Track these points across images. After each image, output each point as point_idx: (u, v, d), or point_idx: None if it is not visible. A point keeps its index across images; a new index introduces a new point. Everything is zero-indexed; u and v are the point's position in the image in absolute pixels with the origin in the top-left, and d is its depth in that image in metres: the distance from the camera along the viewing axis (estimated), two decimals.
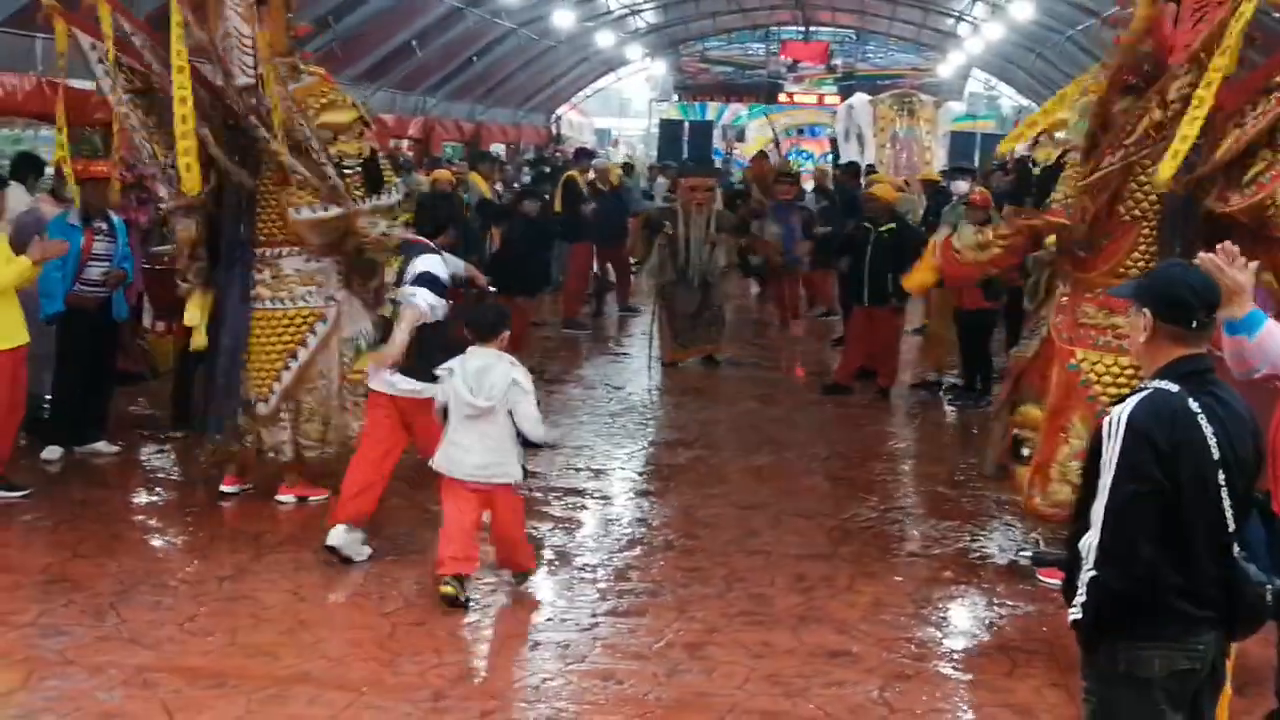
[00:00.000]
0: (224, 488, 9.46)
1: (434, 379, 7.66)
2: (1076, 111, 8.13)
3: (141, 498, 9.71)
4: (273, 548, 8.50)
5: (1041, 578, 8.14)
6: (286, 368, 9.16)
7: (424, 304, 8.03)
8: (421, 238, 8.78)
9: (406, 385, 8.09)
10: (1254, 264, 4.79)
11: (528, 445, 7.75)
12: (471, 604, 7.55)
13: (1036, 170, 8.26)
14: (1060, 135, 8.21)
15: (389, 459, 8.37)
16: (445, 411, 7.57)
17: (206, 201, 9.15)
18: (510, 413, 7.45)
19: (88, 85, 9.12)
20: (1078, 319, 8.03)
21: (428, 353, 7.92)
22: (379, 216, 9.15)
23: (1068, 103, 8.51)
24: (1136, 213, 7.90)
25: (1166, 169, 7.34)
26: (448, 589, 7.42)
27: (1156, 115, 7.61)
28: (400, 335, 7.99)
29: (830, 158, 33.55)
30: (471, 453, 7.45)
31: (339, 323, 9.27)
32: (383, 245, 9.06)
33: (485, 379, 7.40)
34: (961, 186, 15.93)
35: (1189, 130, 7.31)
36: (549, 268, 16.20)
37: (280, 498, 9.35)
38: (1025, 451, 8.25)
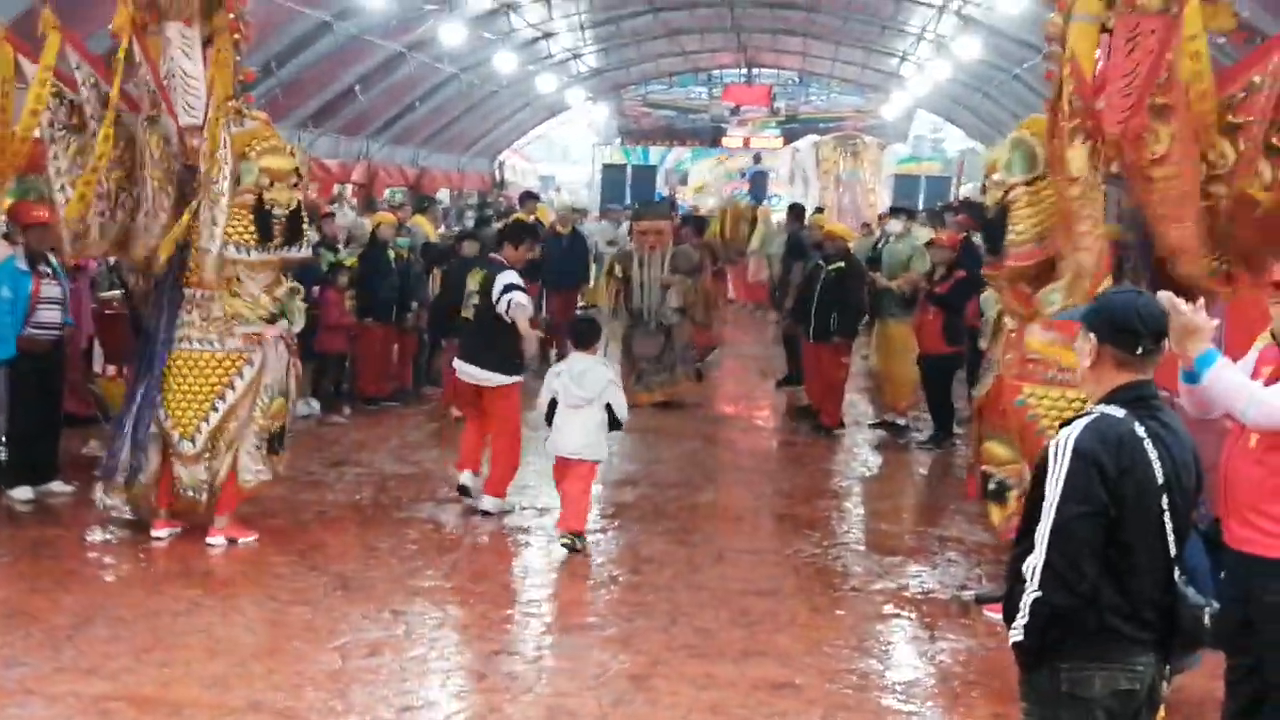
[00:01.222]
0: (155, 532, 9.40)
1: (499, 369, 10.25)
2: (1008, 148, 8.18)
3: (96, 535, 9.66)
4: (224, 583, 8.52)
5: (986, 612, 8.19)
6: (214, 409, 9.17)
7: (527, 301, 10.18)
8: (499, 257, 10.62)
9: (477, 373, 10.34)
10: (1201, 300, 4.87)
11: (614, 428, 9.71)
12: (420, 636, 7.63)
13: (989, 215, 8.26)
14: (997, 177, 8.21)
15: (484, 428, 10.58)
16: (553, 405, 9.54)
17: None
18: (607, 405, 9.48)
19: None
20: (1025, 355, 8.09)
21: (492, 348, 10.25)
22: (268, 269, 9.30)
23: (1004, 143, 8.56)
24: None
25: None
26: (565, 541, 9.35)
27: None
28: (526, 329, 10.19)
29: (749, 197, 33.94)
30: (572, 436, 9.47)
31: (264, 366, 9.30)
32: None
33: (587, 378, 9.48)
34: (895, 226, 16.10)
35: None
36: None
37: (210, 540, 9.30)
38: (992, 487, 8.32)
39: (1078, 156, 7.72)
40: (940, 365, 13.35)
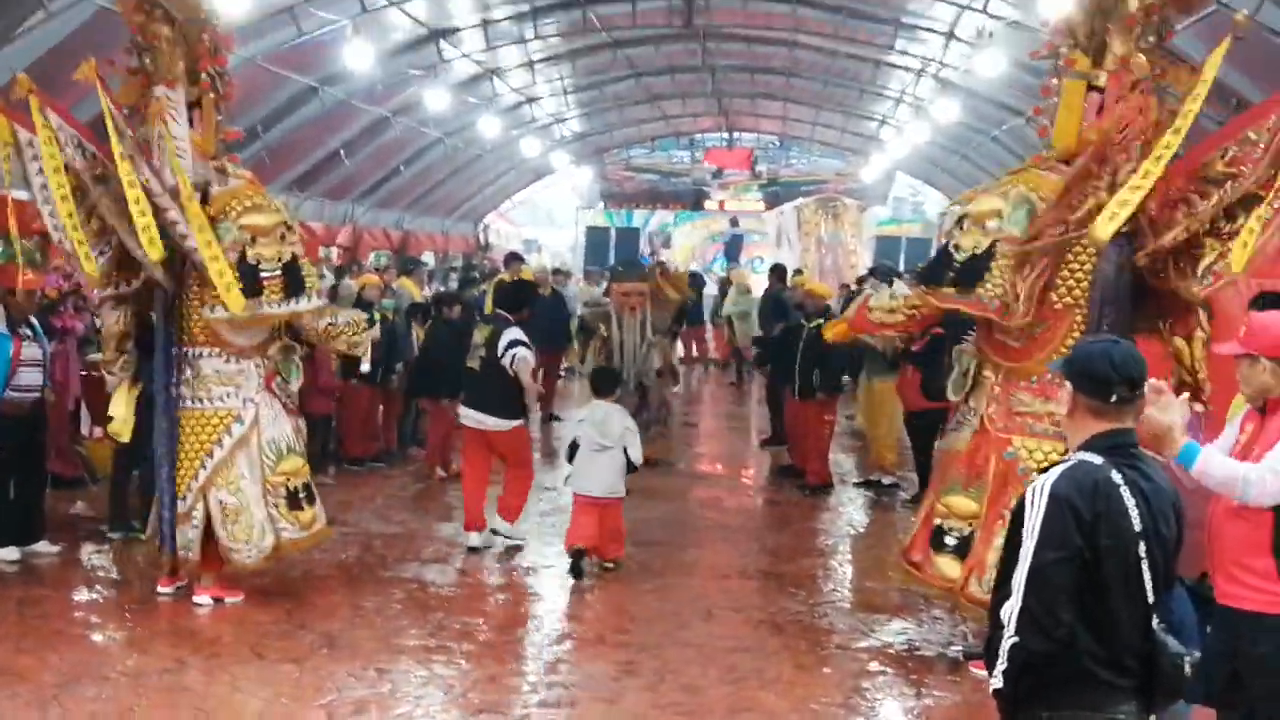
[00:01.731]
0: (160, 588, 9.46)
1: (509, 415, 11.08)
2: (1011, 203, 8.16)
3: (82, 595, 9.69)
4: (210, 642, 8.50)
5: (972, 669, 8.20)
6: (203, 466, 9.20)
7: (529, 356, 11.03)
8: (506, 314, 11.35)
9: (483, 419, 11.10)
10: (1183, 397, 4.94)
11: (630, 470, 10.60)
12: (405, 695, 7.63)
13: (960, 255, 8.24)
14: (992, 225, 8.21)
15: (486, 473, 11.39)
16: (574, 447, 10.56)
17: (137, 293, 9.26)
18: (624, 449, 10.41)
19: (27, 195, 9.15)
20: (1012, 408, 8.13)
21: (499, 396, 10.99)
22: (308, 317, 9.39)
23: (996, 192, 8.56)
24: (1069, 299, 8.03)
25: (1103, 228, 7.45)
26: (608, 565, 10.58)
27: (1104, 197, 7.75)
28: (529, 381, 11.12)
29: (724, 263, 34.19)
30: (596, 479, 10.43)
31: (258, 424, 9.30)
32: (330, 335, 9.59)
33: (607, 425, 10.45)
34: (869, 290, 16.16)
35: (1129, 196, 7.48)
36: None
37: (196, 599, 9.31)
38: (949, 541, 8.33)
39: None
40: (923, 422, 13.35)
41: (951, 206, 8.80)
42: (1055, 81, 8.46)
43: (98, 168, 9.02)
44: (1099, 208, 7.71)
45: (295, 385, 9.73)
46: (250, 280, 9.07)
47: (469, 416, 11.28)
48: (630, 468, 10.60)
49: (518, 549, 11.31)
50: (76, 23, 12.38)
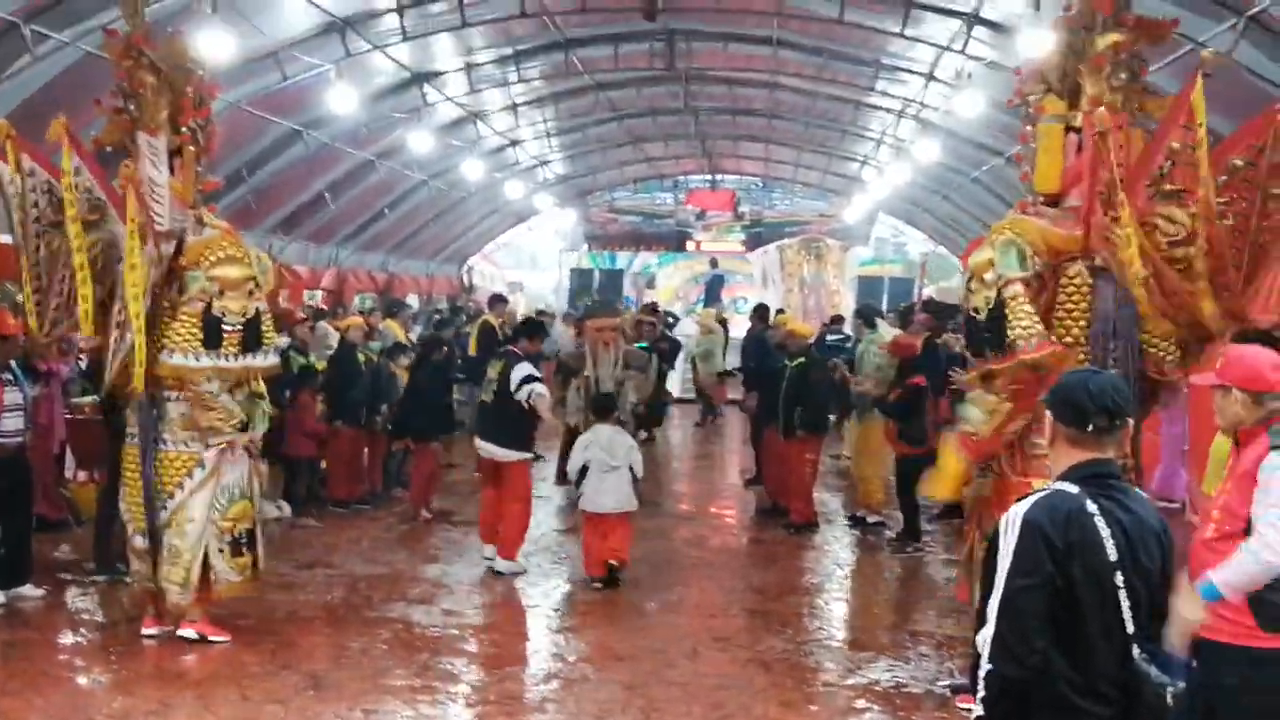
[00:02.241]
0: (144, 630, 9.45)
1: (513, 446, 11.84)
2: (999, 250, 8.12)
3: (67, 638, 9.67)
4: (196, 684, 8.49)
5: (959, 704, 8.20)
6: (164, 507, 9.23)
7: (545, 390, 11.76)
8: (516, 349, 12.15)
9: (495, 450, 11.89)
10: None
11: (635, 483, 11.49)
12: None
13: (981, 316, 8.21)
14: (989, 276, 8.24)
15: (498, 502, 12.04)
16: (583, 471, 11.39)
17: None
18: (630, 467, 11.36)
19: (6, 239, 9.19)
20: (1028, 451, 8.07)
21: (508, 428, 11.80)
22: (227, 374, 9.29)
23: (985, 244, 8.59)
24: (1069, 339, 8.02)
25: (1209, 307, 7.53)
26: (613, 564, 11.31)
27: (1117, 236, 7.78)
28: (548, 414, 12.07)
29: (704, 302, 34.30)
30: (609, 496, 11.30)
31: (218, 469, 9.32)
32: (203, 403, 9.21)
33: (613, 446, 11.38)
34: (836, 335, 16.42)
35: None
36: (451, 411, 16.29)
37: (182, 632, 9.33)
38: None
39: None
40: (905, 466, 13.40)
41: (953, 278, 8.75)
42: (1030, 128, 8.57)
43: (62, 215, 9.01)
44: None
45: (259, 432, 9.68)
46: (212, 332, 9.15)
47: (482, 447, 12.13)
48: (635, 481, 11.52)
49: (506, 585, 11.31)
50: (62, 66, 12.43)
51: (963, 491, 8.76)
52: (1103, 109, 7.88)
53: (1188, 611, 5.05)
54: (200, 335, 9.13)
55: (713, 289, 36.50)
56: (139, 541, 9.31)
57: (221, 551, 9.30)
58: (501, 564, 11.89)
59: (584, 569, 11.58)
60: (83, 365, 13.01)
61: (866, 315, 16.30)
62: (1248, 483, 5.46)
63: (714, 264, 38.12)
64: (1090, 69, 8.11)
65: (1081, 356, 7.95)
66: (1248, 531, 5.42)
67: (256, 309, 9.37)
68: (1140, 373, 7.92)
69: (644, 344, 18.05)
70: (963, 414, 8.26)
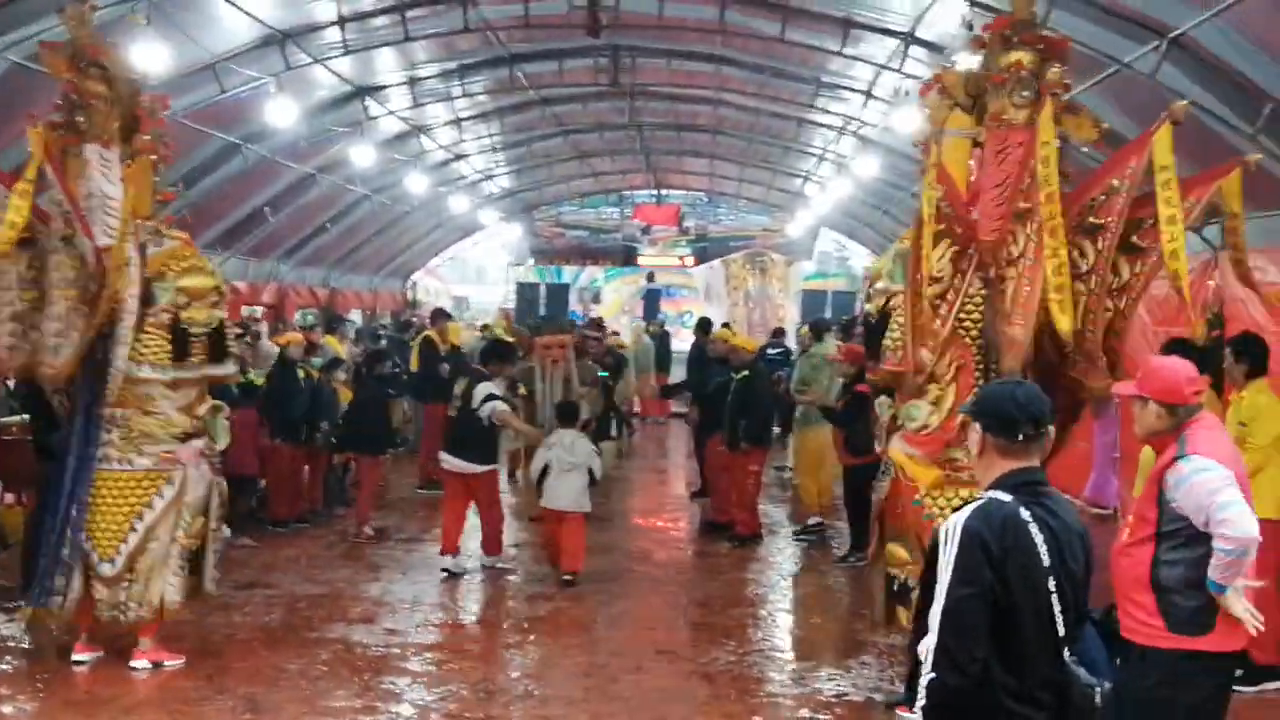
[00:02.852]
0: (75, 655, 9.25)
1: (481, 460, 12.44)
2: (891, 259, 8.45)
3: None
4: (127, 711, 8.32)
5: (900, 713, 8.20)
6: (133, 529, 9.05)
7: (504, 407, 12.36)
8: (482, 369, 12.76)
9: (461, 464, 12.43)
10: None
11: (593, 484, 12.33)
12: None
13: (872, 321, 8.47)
14: (880, 285, 8.46)
15: (464, 510, 12.67)
16: (544, 471, 12.14)
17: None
18: (589, 469, 12.16)
19: None
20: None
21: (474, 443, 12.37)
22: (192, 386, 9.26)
23: (887, 254, 8.79)
24: (972, 348, 8.15)
25: (1065, 323, 7.58)
26: (567, 578, 12.01)
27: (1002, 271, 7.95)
28: (522, 426, 13.15)
29: (640, 321, 34.43)
30: (564, 494, 12.06)
31: (185, 485, 9.20)
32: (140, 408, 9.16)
33: (575, 448, 12.16)
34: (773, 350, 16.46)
35: (1063, 280, 7.61)
36: (392, 426, 16.19)
37: (134, 664, 9.14)
38: (896, 588, 8.37)
39: (939, 258, 8.02)
40: (854, 477, 13.38)
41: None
42: (934, 145, 8.56)
43: (23, 231, 8.85)
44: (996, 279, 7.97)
45: (222, 445, 9.61)
46: (180, 342, 9.10)
47: (448, 461, 12.61)
48: (592, 480, 12.29)
49: (448, 602, 11.23)
50: None
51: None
52: (980, 129, 8.17)
53: (1236, 611, 5.50)
54: (169, 347, 9.05)
55: (650, 303, 36.54)
56: (106, 569, 9.05)
57: (182, 568, 9.17)
58: (488, 559, 12.81)
59: (548, 558, 12.53)
60: (10, 385, 12.79)
61: (817, 328, 16.43)
62: (1154, 489, 5.72)
63: (650, 278, 38.20)
64: (992, 86, 8.27)
65: (977, 357, 8.12)
66: (1157, 536, 5.68)
67: (220, 319, 9.33)
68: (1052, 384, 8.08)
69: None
70: (905, 416, 8.32)
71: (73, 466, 9.08)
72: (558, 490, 12.16)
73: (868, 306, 8.56)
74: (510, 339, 16.35)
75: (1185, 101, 8.13)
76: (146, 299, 9.09)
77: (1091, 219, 7.83)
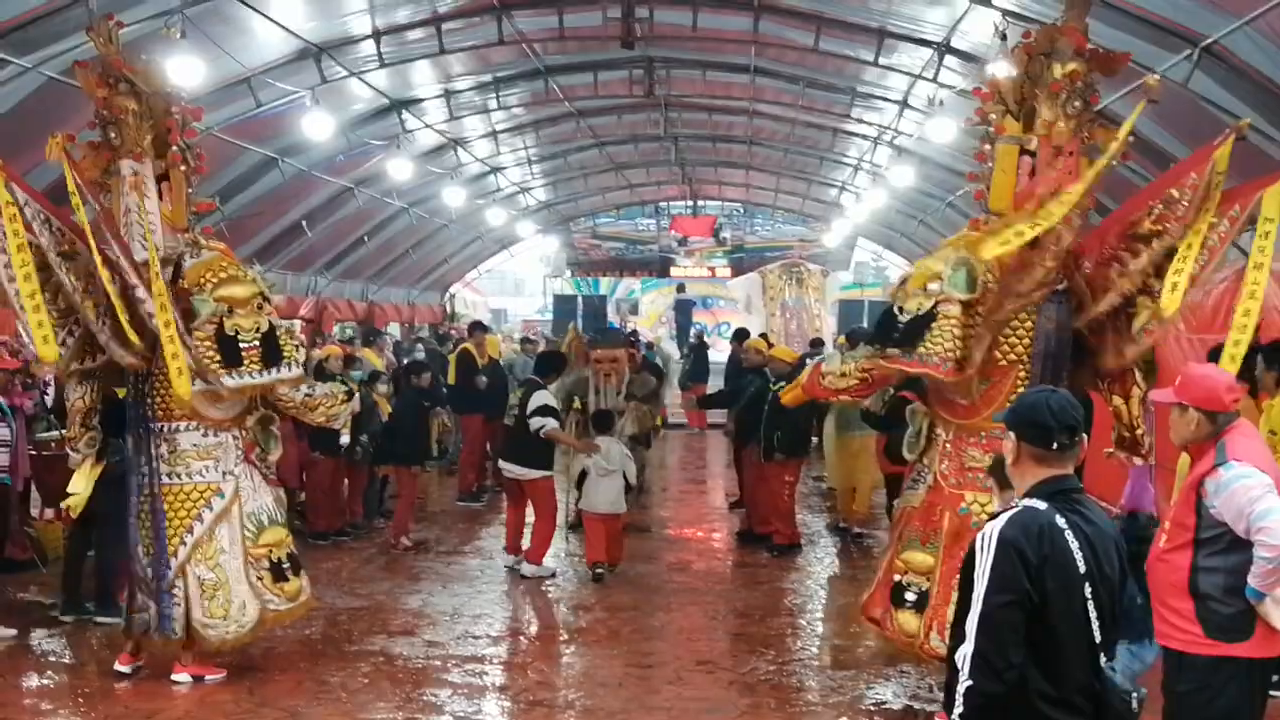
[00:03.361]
0: (119, 666, 9.30)
1: (535, 466, 12.86)
2: (950, 266, 8.32)
3: (33, 681, 9.48)
4: None
5: None
6: (183, 543, 9.08)
7: (554, 424, 12.78)
8: (537, 378, 13.31)
9: (519, 470, 12.95)
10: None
11: (628, 491, 13.07)
12: None
13: (904, 317, 8.39)
14: (934, 287, 8.36)
15: (524, 515, 13.28)
16: (583, 475, 12.98)
17: (104, 368, 9.15)
18: (624, 473, 12.84)
19: None
20: (964, 463, 8.25)
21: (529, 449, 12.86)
22: (287, 386, 9.31)
23: (937, 256, 8.73)
24: (1012, 356, 8.22)
25: (1172, 303, 7.61)
26: (599, 570, 12.71)
27: (1050, 264, 7.95)
28: (573, 441, 13.40)
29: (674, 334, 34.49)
30: (603, 498, 12.76)
31: (238, 497, 9.23)
32: (308, 407, 9.52)
33: (610, 454, 12.83)
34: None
35: (1025, 229, 7.78)
36: (431, 438, 16.21)
37: (175, 676, 9.18)
38: (909, 596, 8.36)
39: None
40: (893, 484, 13.48)
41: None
42: (988, 147, 8.72)
43: (64, 244, 8.90)
44: (1045, 278, 7.97)
45: (274, 456, 9.66)
46: (230, 351, 9.03)
47: (505, 467, 13.28)
48: (628, 487, 13.00)
49: (488, 614, 11.28)
50: (24, 93, 12.28)
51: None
52: (1062, 124, 8.13)
53: (1275, 619, 5.53)
54: (218, 358, 9.00)
55: (683, 313, 36.54)
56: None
57: (261, 579, 9.20)
58: (528, 568, 12.92)
59: (586, 559, 13.03)
60: (48, 401, 12.87)
61: (853, 338, 16.46)
62: (1192, 496, 5.72)
63: (680, 289, 38.20)
64: (1047, 95, 8.29)
65: (1022, 373, 8.18)
66: (1196, 543, 5.67)
67: (270, 322, 9.26)
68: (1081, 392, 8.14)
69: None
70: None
71: (133, 484, 9.18)
72: (596, 494, 12.78)
73: (902, 299, 8.44)
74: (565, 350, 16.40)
75: (1247, 120, 8.11)
76: (188, 313, 9.09)
77: (1149, 225, 7.82)
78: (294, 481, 14.35)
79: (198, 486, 9.17)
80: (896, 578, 8.48)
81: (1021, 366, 8.19)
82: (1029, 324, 8.18)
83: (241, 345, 9.06)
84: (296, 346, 9.47)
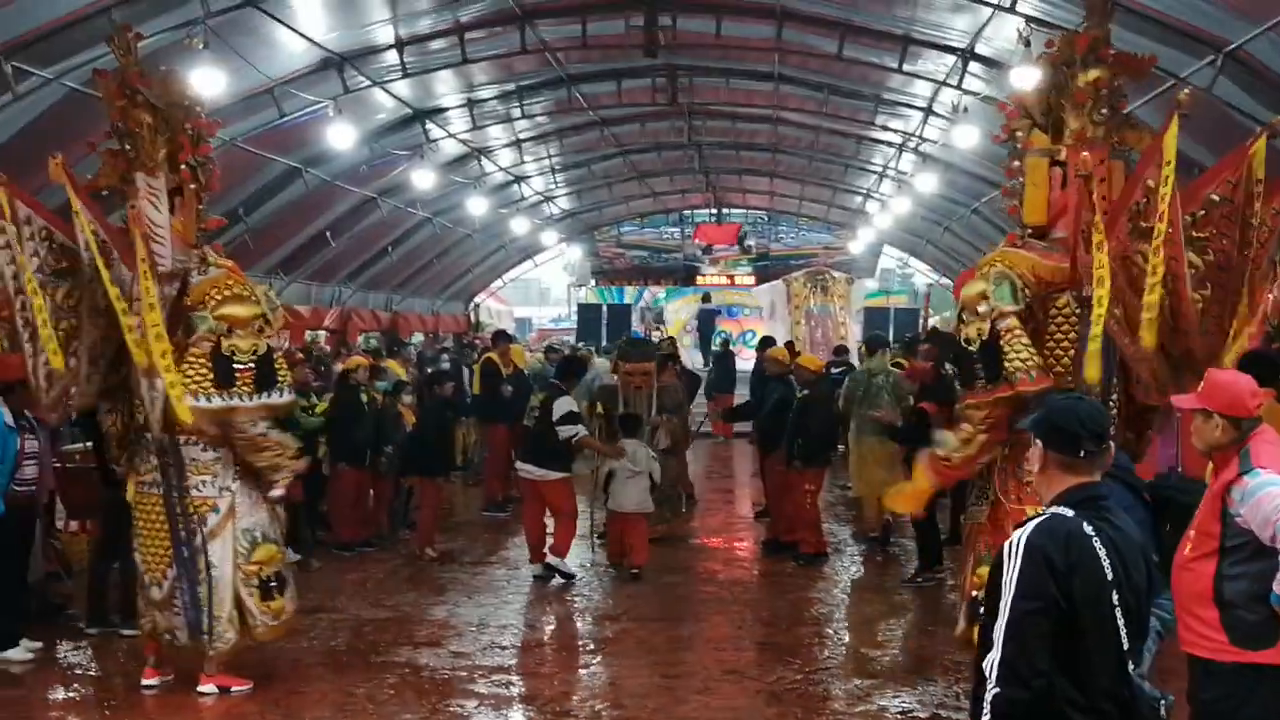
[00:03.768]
0: (145, 680, 9.29)
1: (554, 468, 13.08)
2: (993, 282, 8.19)
3: (59, 693, 9.47)
4: None
5: None
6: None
7: (583, 431, 13.19)
8: (559, 383, 13.63)
9: (537, 471, 13.17)
10: None
11: (653, 490, 13.52)
12: None
13: (974, 348, 8.18)
14: (983, 308, 8.21)
15: (541, 516, 13.47)
16: (610, 476, 13.36)
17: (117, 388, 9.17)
18: (650, 474, 13.39)
19: None
20: (1022, 479, 8.07)
21: (547, 451, 13.10)
22: (259, 415, 9.16)
23: (977, 276, 8.60)
24: (1059, 369, 8.09)
25: (1148, 337, 7.58)
26: (634, 571, 13.11)
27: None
28: (602, 448, 13.72)
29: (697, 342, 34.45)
30: (630, 498, 13.27)
31: (233, 513, 9.19)
32: (256, 445, 9.15)
33: (636, 456, 13.33)
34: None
35: (1152, 299, 7.55)
36: (451, 448, 16.22)
37: (201, 688, 9.16)
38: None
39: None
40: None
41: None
42: (1017, 164, 8.67)
43: (63, 261, 8.93)
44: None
45: (283, 475, 9.58)
46: (224, 371, 8.98)
47: (524, 469, 13.49)
48: (653, 487, 13.44)
49: (514, 624, 11.27)
50: (46, 105, 12.33)
51: (920, 506, 9.50)
52: (1086, 154, 7.94)
53: None
54: (210, 376, 8.95)
55: (705, 323, 36.53)
56: (155, 592, 9.13)
57: (251, 596, 9.17)
58: (553, 560, 13.28)
59: (607, 557, 13.62)
60: (71, 415, 12.87)
61: (870, 345, 16.42)
62: (1217, 504, 5.66)
63: (706, 299, 38.17)
64: (1073, 104, 8.26)
65: (1070, 382, 8.01)
66: (1221, 551, 5.61)
67: (267, 346, 9.22)
68: (1129, 398, 7.99)
69: None
70: (939, 438, 8.38)
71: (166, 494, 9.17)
72: (623, 495, 13.25)
73: (966, 330, 8.29)
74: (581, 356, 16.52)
75: (1187, 90, 8.06)
76: (187, 328, 9.08)
77: (1143, 223, 7.78)
78: (298, 492, 14.27)
79: (194, 500, 9.12)
80: (974, 594, 8.36)
81: (1068, 378, 8.04)
82: (1072, 335, 8.09)
83: (236, 366, 9.00)
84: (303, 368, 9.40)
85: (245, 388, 9.00)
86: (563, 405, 13.08)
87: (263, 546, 9.25)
